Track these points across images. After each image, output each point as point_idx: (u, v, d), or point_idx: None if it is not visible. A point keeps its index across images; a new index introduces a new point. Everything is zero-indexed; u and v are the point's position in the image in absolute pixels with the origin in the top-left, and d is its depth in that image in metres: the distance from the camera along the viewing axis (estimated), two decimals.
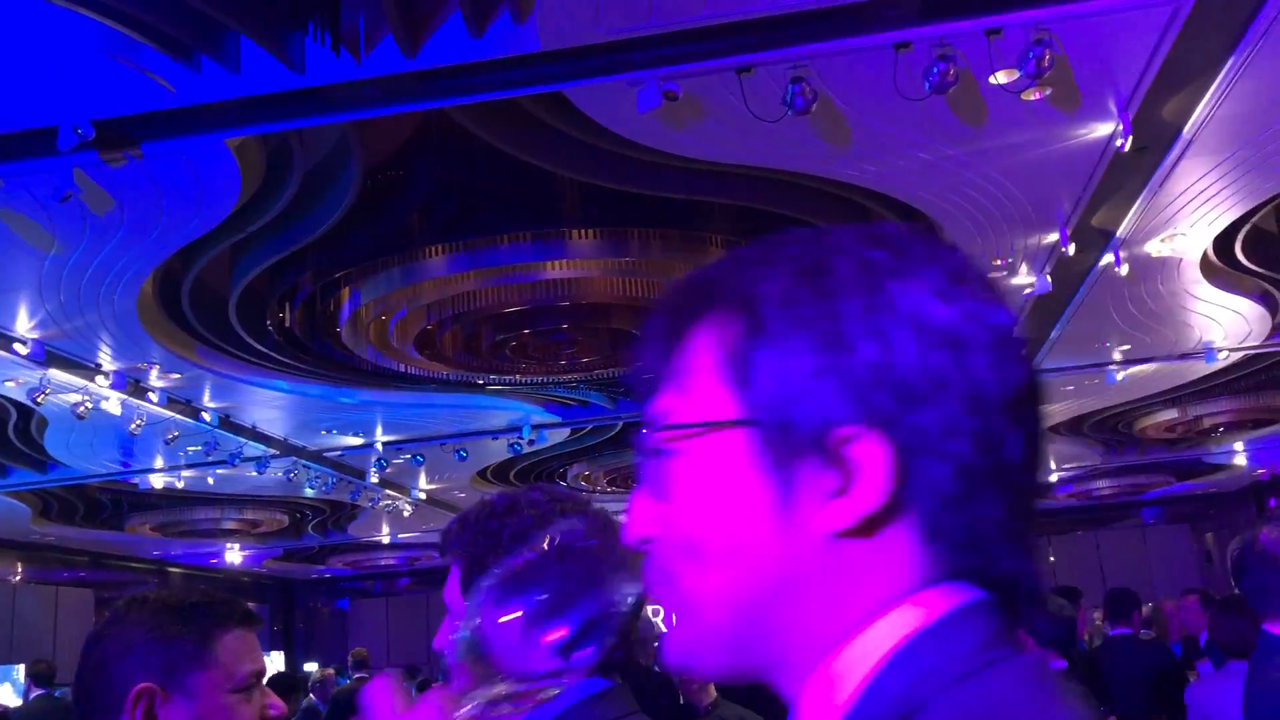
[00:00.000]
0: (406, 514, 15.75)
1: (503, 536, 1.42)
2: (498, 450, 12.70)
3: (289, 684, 8.23)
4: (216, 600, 1.67)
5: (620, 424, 12.33)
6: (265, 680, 1.70)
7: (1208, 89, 5.14)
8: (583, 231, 7.25)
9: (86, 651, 1.63)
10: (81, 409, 8.57)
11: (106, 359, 8.22)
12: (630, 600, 1.35)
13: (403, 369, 9.34)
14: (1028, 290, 8.03)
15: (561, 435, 12.62)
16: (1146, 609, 8.82)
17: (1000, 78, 4.71)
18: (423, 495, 15.33)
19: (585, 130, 5.66)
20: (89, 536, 16.27)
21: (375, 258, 7.37)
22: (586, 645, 1.12)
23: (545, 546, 1.26)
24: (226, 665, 1.62)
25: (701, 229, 7.28)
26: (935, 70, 4.37)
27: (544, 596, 1.20)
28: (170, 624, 1.61)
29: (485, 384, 10.22)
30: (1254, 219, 7.26)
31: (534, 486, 1.49)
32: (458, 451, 12.39)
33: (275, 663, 20.96)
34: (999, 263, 7.47)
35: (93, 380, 8.39)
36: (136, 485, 13.07)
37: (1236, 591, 3.91)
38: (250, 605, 1.72)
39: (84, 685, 1.60)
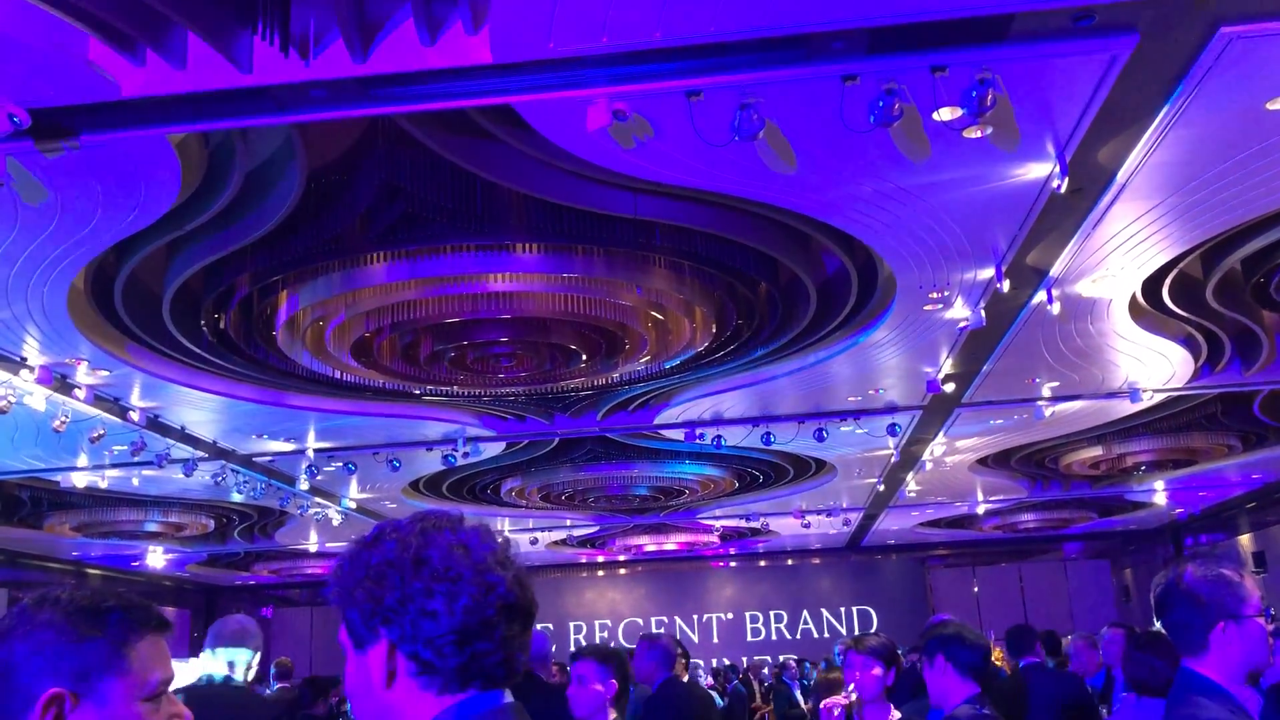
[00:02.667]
0: (335, 523, 15.54)
1: (371, 564, 1.45)
2: (431, 462, 12.59)
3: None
4: (132, 604, 1.62)
5: (556, 439, 12.30)
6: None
7: (1142, 136, 5.28)
8: (527, 245, 7.23)
9: None
10: (3, 403, 8.34)
11: (33, 353, 8.02)
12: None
13: (338, 376, 9.23)
14: (962, 324, 8.17)
15: (497, 449, 12.56)
16: (1067, 641, 9.04)
17: (944, 114, 4.80)
18: (352, 504, 15.15)
19: (533, 144, 5.67)
20: (5, 534, 15.82)
21: (315, 262, 7.29)
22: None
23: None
24: (139, 672, 1.56)
25: (646, 248, 7.30)
26: (881, 104, 4.44)
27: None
28: (83, 626, 1.55)
29: (422, 394, 10.14)
30: (1181, 264, 7.46)
31: (410, 516, 1.52)
32: (391, 461, 12.27)
33: (194, 668, 20.49)
34: (935, 296, 7.60)
35: (16, 374, 8.18)
36: (58, 483, 12.76)
37: (1154, 628, 3.99)
38: (170, 610, 1.68)
39: None
